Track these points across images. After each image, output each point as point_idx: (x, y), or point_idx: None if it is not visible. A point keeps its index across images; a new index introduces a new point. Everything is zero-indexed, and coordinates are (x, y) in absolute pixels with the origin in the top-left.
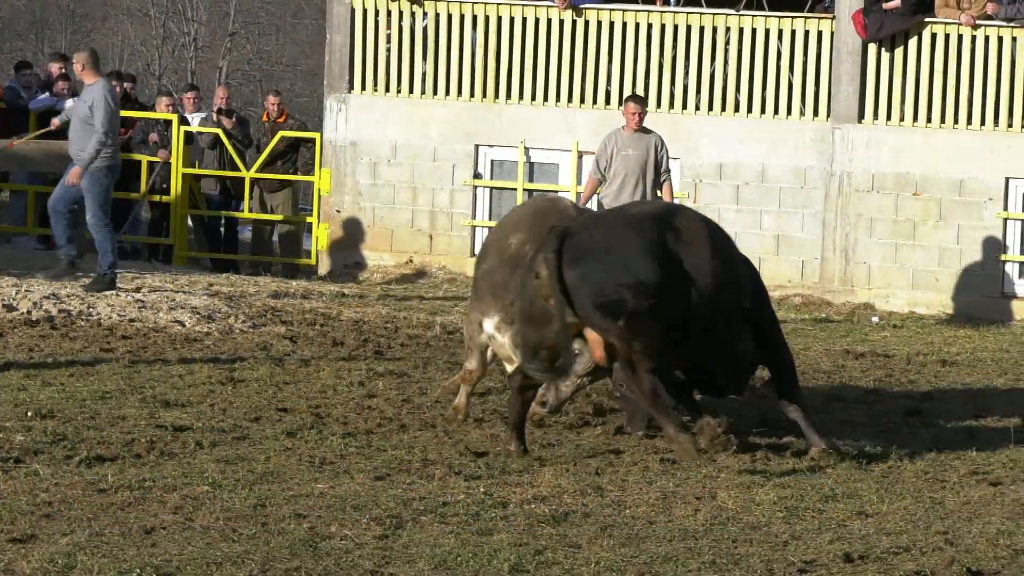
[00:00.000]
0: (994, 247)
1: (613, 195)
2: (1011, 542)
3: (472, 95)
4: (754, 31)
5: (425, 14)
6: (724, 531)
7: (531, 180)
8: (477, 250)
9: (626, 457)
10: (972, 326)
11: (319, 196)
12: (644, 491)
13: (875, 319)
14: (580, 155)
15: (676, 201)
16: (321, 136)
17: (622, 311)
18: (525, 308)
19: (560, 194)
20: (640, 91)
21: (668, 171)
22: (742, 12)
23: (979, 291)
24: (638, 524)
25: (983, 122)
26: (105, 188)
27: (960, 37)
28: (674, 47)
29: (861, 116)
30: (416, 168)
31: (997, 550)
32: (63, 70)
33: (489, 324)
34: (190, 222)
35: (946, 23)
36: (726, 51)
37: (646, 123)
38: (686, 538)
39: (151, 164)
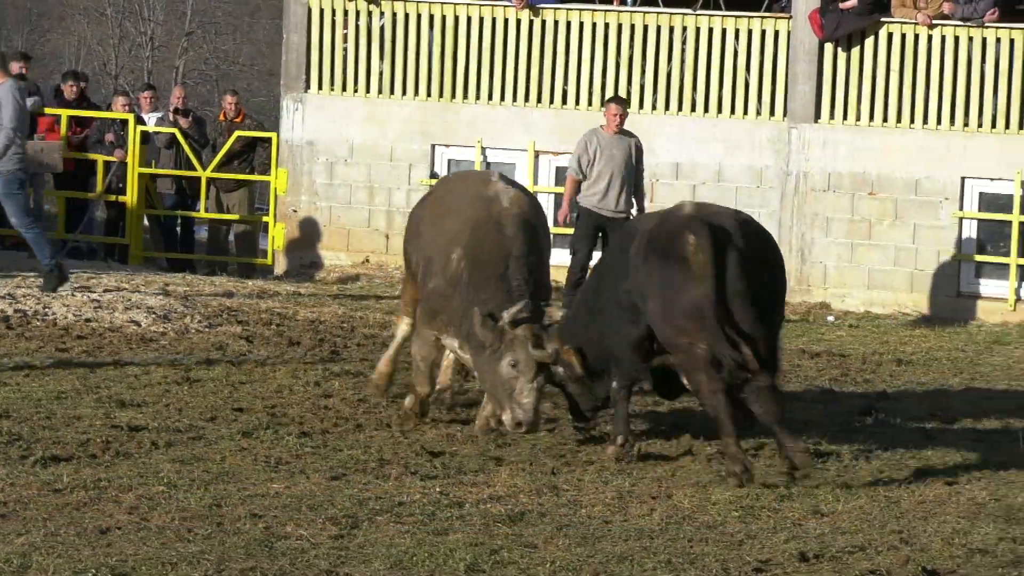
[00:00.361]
0: (950, 247)
1: (600, 195)
2: (966, 541)
3: (429, 95)
4: (711, 31)
5: (382, 14)
6: (680, 530)
7: None
8: None
9: (582, 456)
10: (928, 326)
11: (275, 196)
12: (600, 490)
13: (831, 318)
14: (537, 155)
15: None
16: (278, 136)
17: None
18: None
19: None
20: (596, 91)
21: (642, 172)
22: (699, 12)
23: (935, 291)
24: (594, 523)
25: (939, 122)
26: (22, 188)
27: (916, 37)
28: (631, 47)
29: (817, 116)
30: (373, 168)
31: (952, 549)
32: None
33: (451, 341)
34: (146, 222)
35: (902, 23)
36: (683, 51)
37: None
38: (642, 537)
39: (107, 164)
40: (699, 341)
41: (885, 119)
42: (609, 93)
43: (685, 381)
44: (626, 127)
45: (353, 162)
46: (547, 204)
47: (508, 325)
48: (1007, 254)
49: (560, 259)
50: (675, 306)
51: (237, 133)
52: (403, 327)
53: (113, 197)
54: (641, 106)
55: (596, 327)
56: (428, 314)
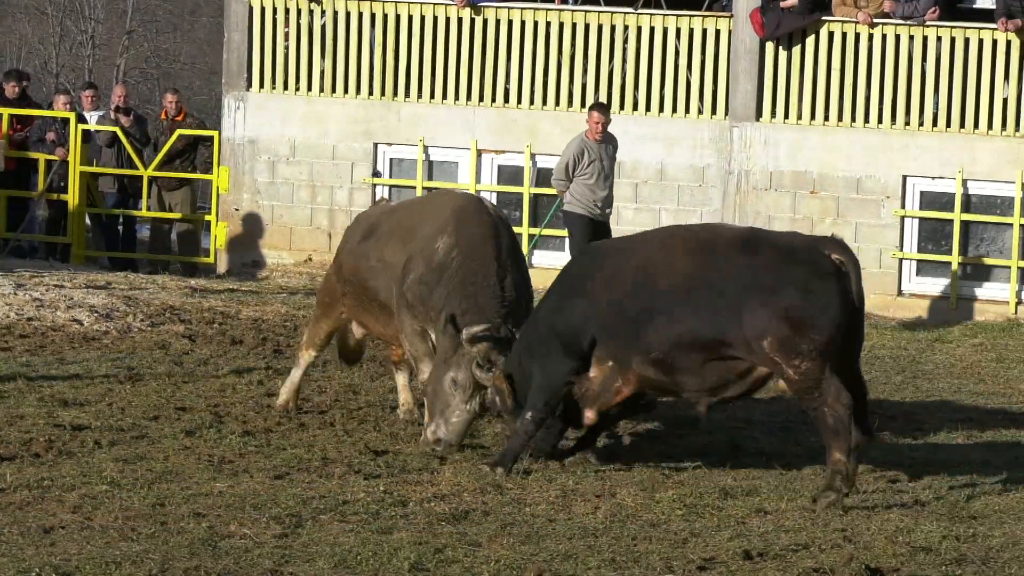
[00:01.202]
0: (891, 245)
1: (599, 199)
2: (909, 539)
3: (371, 93)
4: (652, 29)
5: (323, 12)
6: (624, 529)
7: (430, 178)
8: None
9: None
10: (869, 324)
11: (217, 194)
12: (544, 489)
13: None
14: (479, 153)
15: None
16: (219, 134)
17: None
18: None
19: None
20: (539, 90)
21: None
22: (640, 11)
23: (877, 289)
24: (538, 522)
25: (881, 120)
26: None
27: (857, 35)
28: (572, 45)
29: (759, 114)
30: (315, 166)
31: (896, 547)
32: None
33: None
34: (88, 221)
35: (843, 21)
36: (624, 50)
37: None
38: (586, 536)
39: (48, 163)
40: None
41: (827, 118)
42: (551, 92)
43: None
44: (573, 126)
45: (295, 161)
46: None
47: (467, 341)
48: (948, 252)
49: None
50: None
51: (179, 132)
52: (307, 357)
53: (55, 196)
54: (583, 105)
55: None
56: (409, 308)
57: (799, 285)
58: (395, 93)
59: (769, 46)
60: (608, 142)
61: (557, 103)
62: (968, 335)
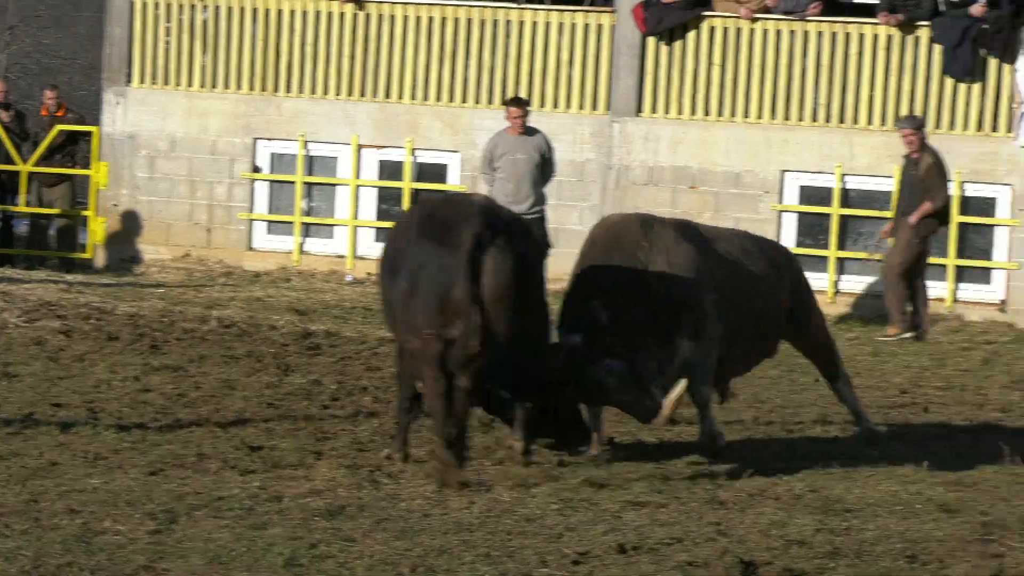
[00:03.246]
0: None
1: (512, 194)
2: (783, 532)
3: (251, 88)
4: (534, 24)
5: (204, 7)
6: (499, 523)
7: (310, 173)
8: (254, 243)
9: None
10: None
11: (96, 190)
12: (419, 484)
13: None
14: (360, 148)
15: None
16: (99, 130)
17: None
18: None
19: (339, 188)
20: (420, 85)
21: (554, 170)
22: (522, 6)
23: None
24: (413, 517)
25: (760, 115)
26: None
27: (738, 31)
28: (454, 41)
29: (639, 110)
30: (194, 162)
31: (769, 540)
32: None
33: None
34: None
35: (725, 17)
36: (506, 44)
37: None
38: (461, 531)
39: None
40: None
41: (707, 113)
42: (433, 87)
43: None
44: (454, 121)
45: (174, 156)
46: (371, 199)
47: None
48: (826, 247)
49: None
50: None
51: (58, 127)
52: None
53: None
54: (464, 100)
55: None
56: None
57: None
58: (275, 88)
59: (651, 41)
60: (530, 138)
61: (438, 98)
62: (844, 329)
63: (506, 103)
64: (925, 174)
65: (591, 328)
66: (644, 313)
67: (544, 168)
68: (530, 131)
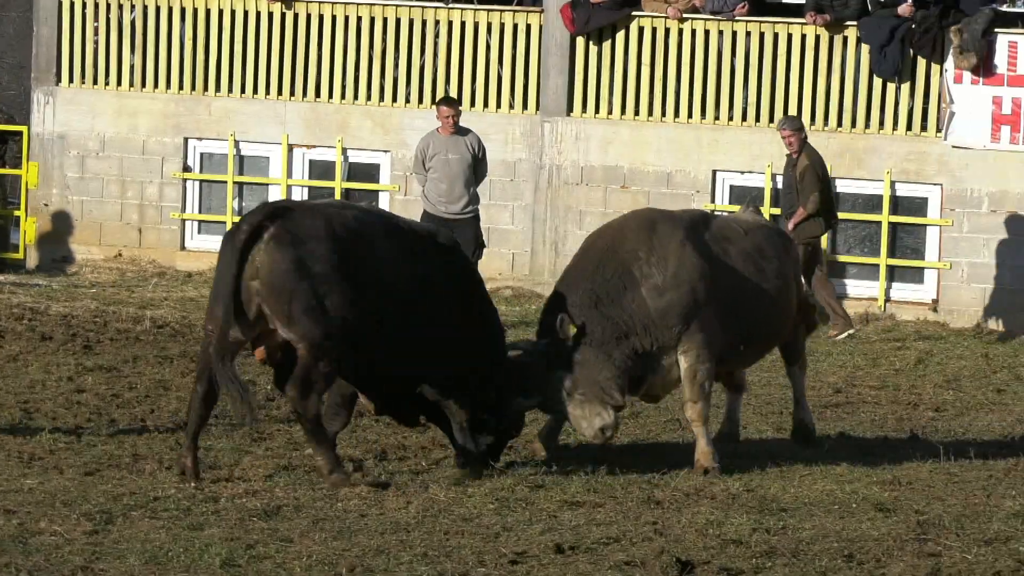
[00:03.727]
0: None
1: (445, 195)
2: (720, 532)
3: (181, 88)
4: (463, 24)
5: (133, 6)
6: (436, 523)
7: (241, 173)
8: (187, 243)
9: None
10: None
11: (27, 190)
12: (356, 484)
13: None
14: (291, 148)
15: None
16: (28, 129)
17: None
18: None
19: (271, 187)
20: (350, 84)
21: (486, 170)
22: (452, 5)
23: None
24: (350, 517)
25: (690, 115)
26: None
27: (667, 30)
28: (384, 40)
29: (570, 109)
30: (125, 161)
31: (706, 540)
32: None
33: None
34: None
35: (653, 16)
36: (435, 44)
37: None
38: (398, 531)
39: None
40: None
41: (637, 112)
42: (363, 87)
43: None
44: (385, 120)
45: (105, 155)
46: (300, 198)
47: None
48: None
49: None
50: None
51: None
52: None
53: None
54: (394, 100)
55: None
56: None
57: None
58: (205, 87)
59: (580, 41)
60: (462, 138)
61: (368, 98)
62: None
63: (437, 103)
64: (800, 176)
65: (553, 340)
66: (613, 329)
67: (477, 168)
68: (462, 131)
